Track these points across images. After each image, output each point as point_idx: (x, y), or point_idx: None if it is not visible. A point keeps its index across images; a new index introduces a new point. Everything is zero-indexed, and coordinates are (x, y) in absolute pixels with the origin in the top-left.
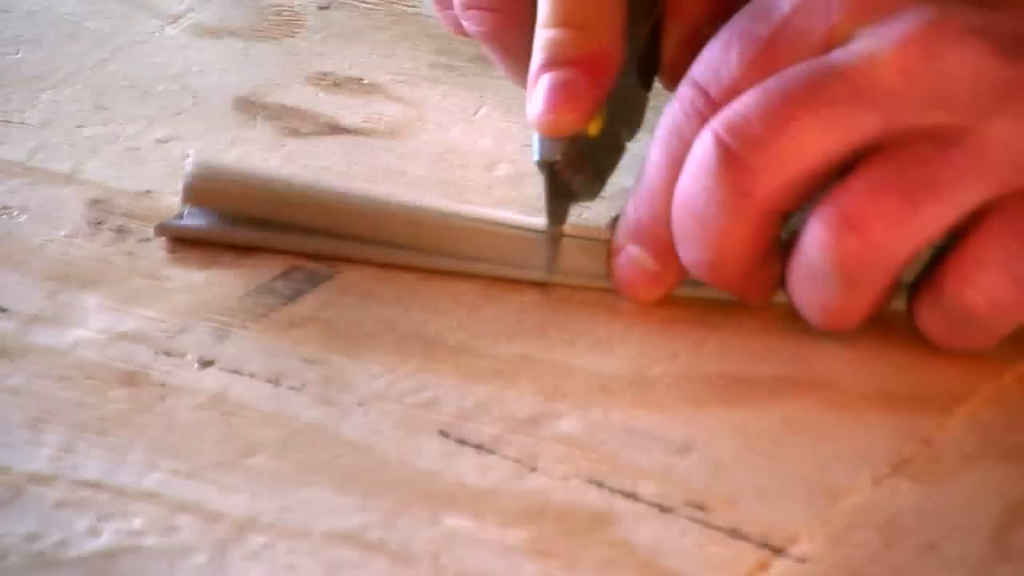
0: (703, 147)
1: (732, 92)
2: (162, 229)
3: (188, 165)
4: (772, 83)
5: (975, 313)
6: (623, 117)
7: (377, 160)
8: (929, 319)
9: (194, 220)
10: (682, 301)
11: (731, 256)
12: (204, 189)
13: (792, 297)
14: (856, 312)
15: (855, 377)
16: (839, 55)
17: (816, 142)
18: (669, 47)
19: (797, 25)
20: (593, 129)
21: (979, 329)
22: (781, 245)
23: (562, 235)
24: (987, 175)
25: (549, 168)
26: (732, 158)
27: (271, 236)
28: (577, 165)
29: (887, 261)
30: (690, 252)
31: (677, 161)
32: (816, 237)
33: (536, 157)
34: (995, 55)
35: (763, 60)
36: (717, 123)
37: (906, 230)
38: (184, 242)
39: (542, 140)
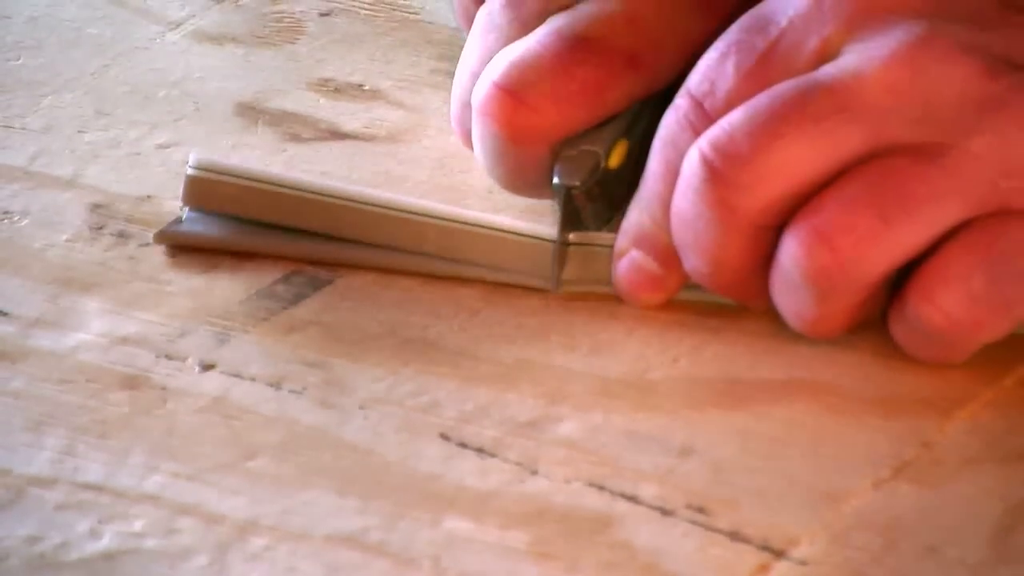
0: (690, 165)
1: (727, 104)
2: (162, 236)
3: (189, 165)
4: (758, 100)
5: (934, 328)
6: (644, 149)
7: (378, 165)
8: (896, 330)
9: (193, 226)
10: (682, 305)
11: (728, 266)
12: (204, 190)
13: (775, 305)
14: (834, 322)
15: (856, 380)
16: (827, 70)
17: (801, 158)
18: None
19: (792, 38)
20: (614, 161)
21: (941, 343)
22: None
23: (567, 244)
24: (964, 193)
25: (566, 192)
26: (717, 176)
27: (271, 242)
28: (593, 193)
29: (860, 276)
30: (690, 262)
31: (673, 170)
32: (789, 250)
33: (555, 180)
34: (981, 73)
35: (758, 73)
36: (703, 140)
37: (878, 246)
38: (184, 247)
39: (564, 166)
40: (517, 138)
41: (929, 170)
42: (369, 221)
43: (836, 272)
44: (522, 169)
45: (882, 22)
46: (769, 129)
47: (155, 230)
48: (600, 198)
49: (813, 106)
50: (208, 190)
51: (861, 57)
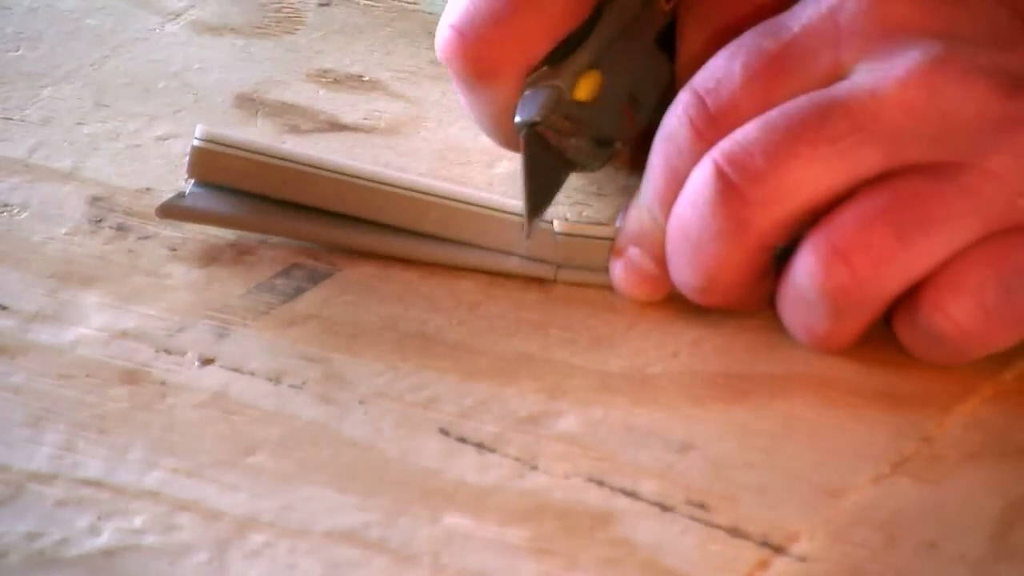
0: (703, 176)
1: (730, 106)
2: (164, 210)
3: (195, 137)
4: (775, 115)
5: (945, 337)
6: (632, 86)
7: (378, 157)
8: (904, 333)
9: (196, 202)
10: (682, 299)
11: (721, 283)
12: (210, 163)
13: (782, 318)
14: (844, 339)
15: (855, 375)
16: (843, 88)
17: (817, 178)
18: (684, 50)
19: (804, 46)
20: (583, 93)
21: (949, 350)
22: (777, 259)
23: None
24: (981, 212)
25: (528, 129)
26: (732, 190)
27: (272, 221)
28: (564, 128)
29: (876, 294)
30: (681, 275)
31: (673, 166)
32: (807, 266)
33: (516, 119)
34: (998, 93)
35: (766, 76)
36: (718, 153)
37: (895, 267)
38: (185, 239)
39: (523, 103)
40: (481, 73)
41: (946, 190)
42: (372, 198)
43: (853, 290)
44: (499, 113)
45: (897, 42)
46: (785, 147)
47: (155, 220)
48: (576, 133)
49: (830, 126)
50: (213, 163)
51: (877, 76)
